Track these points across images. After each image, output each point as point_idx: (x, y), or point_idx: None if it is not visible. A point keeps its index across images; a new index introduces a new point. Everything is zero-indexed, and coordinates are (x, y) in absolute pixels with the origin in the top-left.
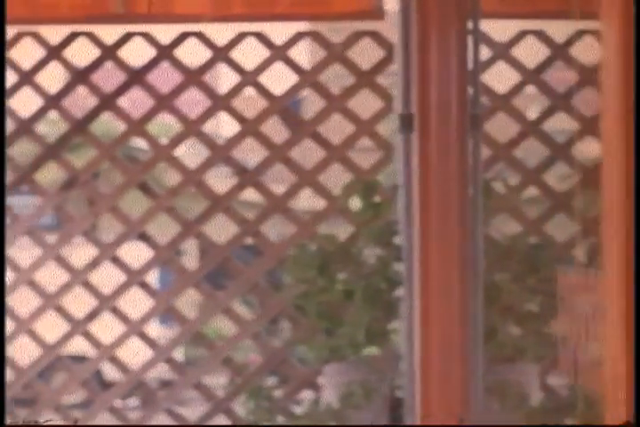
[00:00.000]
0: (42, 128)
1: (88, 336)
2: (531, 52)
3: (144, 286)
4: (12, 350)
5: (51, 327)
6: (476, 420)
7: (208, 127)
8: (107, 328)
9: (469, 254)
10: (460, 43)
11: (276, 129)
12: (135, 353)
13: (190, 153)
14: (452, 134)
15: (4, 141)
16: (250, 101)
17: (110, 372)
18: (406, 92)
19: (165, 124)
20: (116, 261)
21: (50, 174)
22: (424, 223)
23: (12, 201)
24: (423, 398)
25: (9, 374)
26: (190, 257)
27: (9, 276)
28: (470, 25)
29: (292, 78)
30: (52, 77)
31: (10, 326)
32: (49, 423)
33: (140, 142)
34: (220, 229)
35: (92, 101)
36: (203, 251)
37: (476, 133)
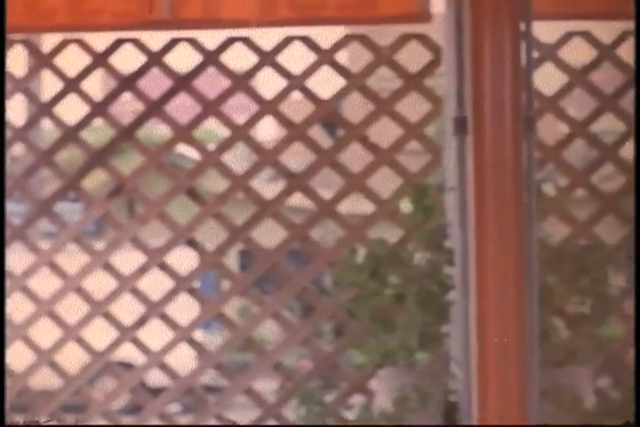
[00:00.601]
0: (88, 135)
1: (136, 343)
2: (578, 54)
3: (192, 292)
4: (60, 358)
5: (99, 334)
6: (533, 423)
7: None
8: (155, 335)
9: (525, 257)
10: (514, 44)
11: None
12: (182, 359)
13: (231, 158)
14: (507, 136)
15: (3, 142)
16: (293, 105)
17: (156, 378)
18: (460, 94)
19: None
20: (164, 267)
21: (95, 181)
22: (479, 226)
23: (59, 207)
24: (480, 403)
25: (58, 381)
26: (230, 262)
27: (57, 283)
28: (522, 27)
29: (338, 82)
30: (98, 84)
31: (58, 333)
32: (49, 423)
33: (181, 149)
34: (268, 235)
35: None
36: (243, 256)
37: (530, 135)
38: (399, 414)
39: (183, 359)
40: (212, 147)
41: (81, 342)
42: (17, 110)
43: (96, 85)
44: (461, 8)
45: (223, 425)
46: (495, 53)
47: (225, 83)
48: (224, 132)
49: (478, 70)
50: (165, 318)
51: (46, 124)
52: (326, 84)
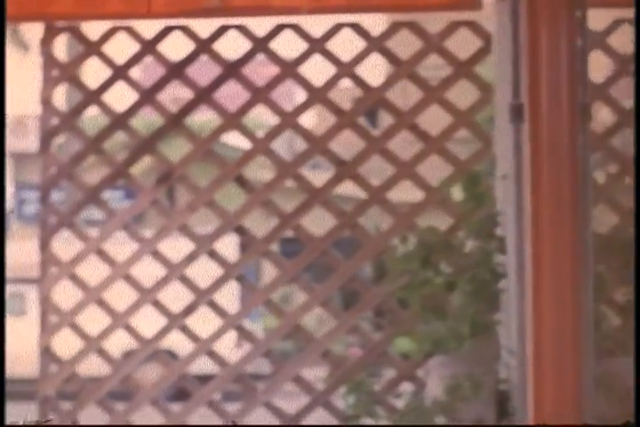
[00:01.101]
0: (135, 122)
1: (185, 330)
2: (625, 41)
3: (240, 279)
4: (108, 345)
5: (147, 322)
6: (587, 414)
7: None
8: (202, 322)
9: (581, 245)
10: (570, 32)
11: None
12: (229, 347)
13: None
14: (563, 124)
15: (3, 141)
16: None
17: (201, 365)
18: (516, 82)
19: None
20: (213, 254)
21: (141, 168)
22: (535, 214)
23: (106, 195)
24: (535, 392)
25: (106, 369)
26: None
27: (105, 270)
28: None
29: (386, 69)
30: (147, 72)
31: (106, 320)
32: (49, 423)
33: (224, 138)
34: (317, 222)
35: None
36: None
37: (585, 123)
38: (451, 403)
39: (230, 347)
40: (259, 135)
41: (129, 329)
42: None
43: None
44: None
45: (223, 425)
46: (551, 40)
47: (271, 70)
48: (268, 119)
49: (535, 58)
50: (214, 306)
51: (89, 111)
52: (375, 71)
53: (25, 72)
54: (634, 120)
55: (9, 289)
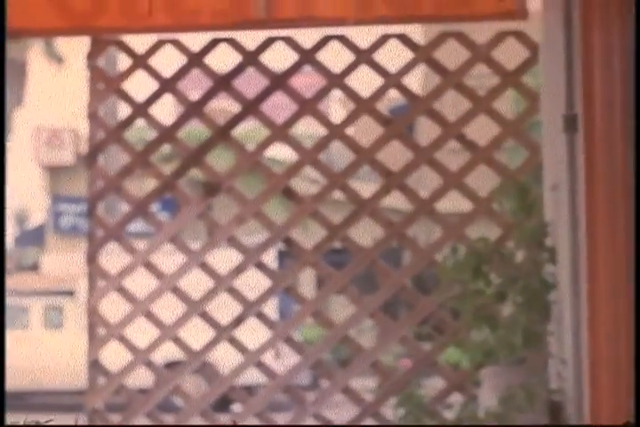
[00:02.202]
0: (181, 135)
1: (233, 342)
2: None
3: (290, 290)
4: (156, 356)
5: (195, 334)
6: None
7: (303, 129)
8: (252, 333)
9: (636, 254)
10: (623, 41)
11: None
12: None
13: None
14: (618, 133)
15: (4, 143)
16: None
17: (252, 376)
18: (569, 92)
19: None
20: (261, 266)
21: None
22: (590, 224)
23: (156, 207)
24: (592, 402)
25: (150, 380)
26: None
27: (153, 282)
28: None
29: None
30: (193, 84)
31: (155, 333)
32: (49, 424)
33: (271, 152)
34: (365, 234)
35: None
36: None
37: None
38: (506, 414)
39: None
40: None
41: (177, 341)
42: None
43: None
44: (569, 6)
45: (223, 425)
46: (605, 50)
47: (314, 80)
48: (311, 131)
49: (589, 68)
50: (262, 317)
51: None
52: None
53: (59, 85)
54: (634, 121)
55: (46, 302)
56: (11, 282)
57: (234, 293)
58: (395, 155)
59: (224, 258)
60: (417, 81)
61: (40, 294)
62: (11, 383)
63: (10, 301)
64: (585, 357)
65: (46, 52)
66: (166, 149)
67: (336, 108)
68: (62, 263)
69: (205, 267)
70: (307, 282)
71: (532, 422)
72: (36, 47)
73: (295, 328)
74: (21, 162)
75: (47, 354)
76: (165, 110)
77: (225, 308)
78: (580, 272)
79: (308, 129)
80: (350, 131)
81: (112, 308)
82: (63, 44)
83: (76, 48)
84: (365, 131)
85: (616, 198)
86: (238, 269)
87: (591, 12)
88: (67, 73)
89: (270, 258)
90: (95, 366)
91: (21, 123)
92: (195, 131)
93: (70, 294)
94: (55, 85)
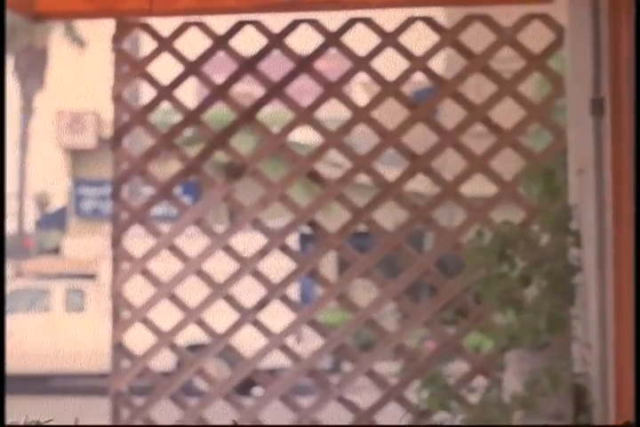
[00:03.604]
0: (207, 117)
1: (257, 325)
2: None
3: (314, 274)
4: (181, 339)
5: (219, 316)
6: None
7: (326, 113)
8: (275, 317)
9: None
10: None
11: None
12: (290, 341)
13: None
14: (635, 117)
15: (4, 141)
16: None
17: (275, 359)
18: (596, 76)
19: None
20: (285, 249)
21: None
22: (617, 208)
23: (178, 191)
24: (617, 386)
25: (171, 361)
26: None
27: (177, 265)
28: None
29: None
30: (219, 67)
31: (179, 315)
32: (49, 424)
33: (296, 136)
34: (389, 217)
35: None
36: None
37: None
38: (531, 398)
39: (291, 342)
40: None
41: (201, 324)
42: (134, 93)
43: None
44: None
45: (224, 425)
46: (632, 34)
47: (337, 64)
48: (337, 115)
49: (616, 52)
50: (286, 300)
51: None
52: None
53: (81, 69)
54: (634, 122)
55: (68, 285)
56: (32, 265)
57: (258, 276)
58: (419, 138)
59: (248, 241)
60: (440, 64)
61: (62, 278)
62: (32, 366)
63: (32, 284)
64: (610, 341)
65: (68, 35)
66: (189, 132)
67: (358, 91)
68: (84, 246)
69: (229, 250)
70: (328, 265)
71: (556, 406)
72: (57, 31)
73: (319, 312)
74: (43, 145)
75: (69, 337)
76: (190, 93)
77: (249, 291)
78: (606, 256)
79: (331, 113)
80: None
81: (136, 291)
82: (85, 27)
83: (97, 31)
84: (389, 114)
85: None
86: (262, 252)
87: None
88: (89, 56)
89: (292, 241)
90: (119, 348)
91: (43, 106)
92: (219, 114)
93: (92, 277)
94: (77, 69)
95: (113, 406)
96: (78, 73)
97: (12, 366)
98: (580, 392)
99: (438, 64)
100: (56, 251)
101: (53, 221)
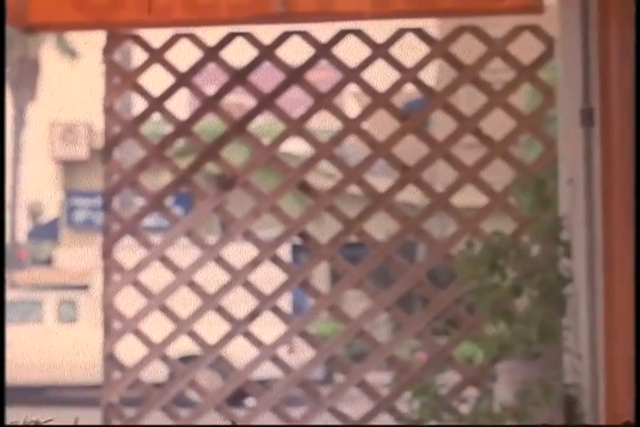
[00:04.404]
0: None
1: (248, 336)
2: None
3: (304, 285)
4: (172, 351)
5: (210, 328)
6: None
7: (317, 124)
8: (266, 328)
9: None
10: None
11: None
12: (283, 352)
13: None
14: (634, 128)
15: (4, 142)
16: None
17: (267, 370)
18: (585, 86)
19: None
20: (276, 260)
21: (202, 174)
22: (607, 218)
23: (169, 202)
24: (608, 397)
25: (164, 372)
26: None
27: (169, 276)
28: None
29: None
30: (209, 78)
31: (170, 327)
32: (49, 424)
33: (288, 146)
34: (380, 228)
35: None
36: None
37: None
38: (523, 408)
39: (283, 353)
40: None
41: (192, 335)
42: (125, 104)
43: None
44: (586, 0)
45: (224, 425)
46: (622, 45)
47: (329, 75)
48: (329, 125)
49: (605, 62)
50: (277, 311)
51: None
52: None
53: (73, 80)
54: (634, 123)
55: (60, 296)
56: (25, 276)
57: (249, 287)
58: (410, 149)
59: (239, 252)
60: (431, 75)
61: (54, 289)
62: (25, 377)
63: (24, 295)
64: (600, 351)
65: (59, 46)
66: (182, 143)
67: (350, 102)
68: (76, 257)
69: (221, 261)
70: (320, 276)
71: (547, 416)
72: (48, 42)
73: (310, 323)
74: (36, 156)
75: (61, 348)
76: (181, 105)
77: (240, 302)
78: (595, 266)
79: (322, 124)
80: (365, 125)
81: (127, 302)
82: (77, 38)
83: (89, 42)
84: (381, 125)
85: (632, 192)
86: (254, 263)
87: (608, 6)
88: (81, 68)
89: (284, 252)
90: (110, 360)
91: (36, 118)
92: (210, 125)
93: (84, 288)
94: (69, 80)
95: (104, 418)
96: (70, 84)
97: (6, 377)
98: (572, 402)
99: (430, 75)
100: (49, 262)
101: (46, 231)
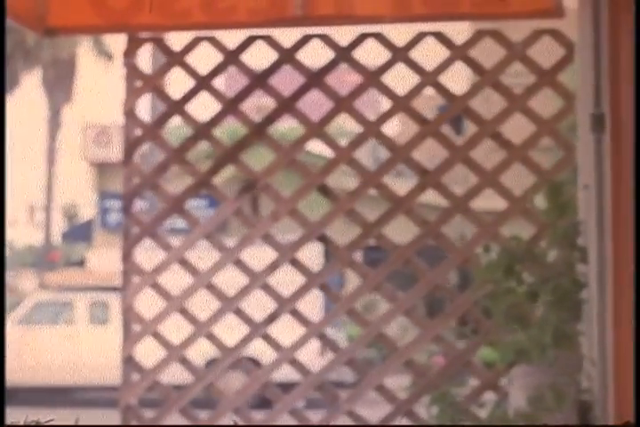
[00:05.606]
0: (219, 132)
1: (267, 339)
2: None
3: (324, 288)
4: (191, 353)
5: (229, 330)
6: None
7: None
8: (285, 330)
9: None
10: None
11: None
12: (312, 355)
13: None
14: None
15: (4, 142)
16: (425, 101)
17: (283, 373)
18: (597, 91)
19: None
20: (296, 263)
21: (226, 177)
22: (616, 224)
23: (190, 204)
24: (617, 403)
25: (188, 377)
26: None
27: (188, 279)
28: None
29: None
30: (231, 81)
31: (189, 329)
32: (49, 424)
33: (309, 145)
34: (401, 231)
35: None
36: (366, 252)
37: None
38: (534, 413)
39: (314, 355)
40: (343, 143)
41: (211, 338)
42: (145, 108)
43: (221, 82)
44: (598, 4)
45: (224, 425)
46: (632, 50)
47: (354, 78)
48: (352, 127)
49: (616, 67)
50: (296, 314)
51: (174, 121)
52: (459, 79)
53: (108, 82)
54: (634, 124)
55: (92, 297)
56: (56, 277)
57: (268, 290)
58: (432, 153)
59: (260, 255)
60: (462, 79)
61: (86, 290)
62: (55, 378)
63: (55, 296)
64: (610, 356)
65: (95, 49)
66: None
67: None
68: (108, 259)
69: (240, 264)
70: (353, 279)
71: (560, 422)
72: (85, 44)
73: (329, 325)
74: (71, 158)
75: (92, 350)
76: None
77: (260, 305)
78: (605, 272)
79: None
80: (397, 128)
81: (147, 304)
82: (113, 40)
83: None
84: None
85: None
86: (272, 267)
87: (618, 11)
88: (116, 69)
89: (315, 254)
90: (129, 362)
91: (70, 119)
92: (232, 128)
93: (116, 289)
94: (104, 82)
95: (123, 419)
96: (105, 86)
97: (35, 378)
98: (585, 408)
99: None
100: (82, 263)
101: (80, 233)
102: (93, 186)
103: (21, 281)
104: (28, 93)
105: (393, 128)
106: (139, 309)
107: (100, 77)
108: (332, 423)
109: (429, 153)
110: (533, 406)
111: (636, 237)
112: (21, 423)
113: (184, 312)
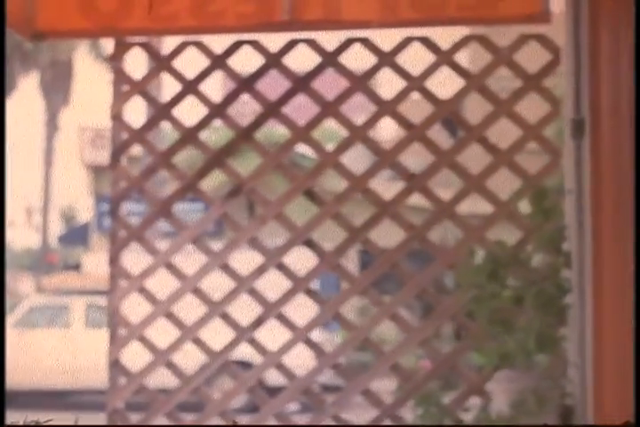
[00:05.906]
0: (206, 136)
1: (254, 343)
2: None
3: (309, 292)
4: (178, 358)
5: (216, 334)
6: None
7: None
8: (272, 335)
9: None
10: (630, 46)
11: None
12: (300, 359)
13: (350, 159)
14: (625, 139)
15: (4, 143)
16: (413, 106)
17: (274, 377)
18: (577, 96)
19: (329, 130)
20: (282, 267)
21: (214, 182)
22: (596, 229)
23: (184, 207)
24: (596, 407)
25: (175, 381)
26: (351, 262)
27: (175, 283)
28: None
29: (458, 82)
30: (216, 86)
31: (175, 333)
32: (49, 424)
33: (303, 148)
34: (387, 235)
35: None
36: (362, 256)
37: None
38: (516, 417)
39: (301, 359)
40: (331, 147)
41: (198, 342)
42: (136, 112)
43: (215, 87)
44: (579, 9)
45: (224, 425)
46: (612, 54)
47: (343, 83)
48: (342, 130)
49: (596, 72)
50: (283, 319)
51: (165, 125)
52: (446, 84)
53: (105, 85)
54: (634, 124)
55: (88, 301)
56: (53, 280)
57: (255, 294)
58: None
59: (247, 259)
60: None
61: (82, 293)
62: (52, 381)
63: (52, 299)
64: (589, 360)
65: (92, 52)
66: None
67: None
68: (105, 263)
69: (227, 268)
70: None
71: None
72: (82, 48)
73: (326, 330)
74: (68, 161)
75: (88, 353)
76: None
77: (246, 309)
78: (585, 277)
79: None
80: (394, 133)
81: (136, 308)
82: (109, 44)
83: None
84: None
85: (622, 203)
86: (259, 271)
87: (599, 16)
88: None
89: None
90: (116, 366)
91: (68, 122)
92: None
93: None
94: (101, 85)
95: (109, 422)
96: (102, 89)
97: (31, 381)
98: (567, 412)
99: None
100: (79, 266)
101: (76, 236)
102: (90, 189)
103: (18, 284)
104: (25, 96)
105: (391, 133)
106: (125, 312)
107: (96, 81)
108: None
109: (421, 156)
110: (515, 410)
111: (636, 239)
112: (21, 424)
113: (170, 316)
